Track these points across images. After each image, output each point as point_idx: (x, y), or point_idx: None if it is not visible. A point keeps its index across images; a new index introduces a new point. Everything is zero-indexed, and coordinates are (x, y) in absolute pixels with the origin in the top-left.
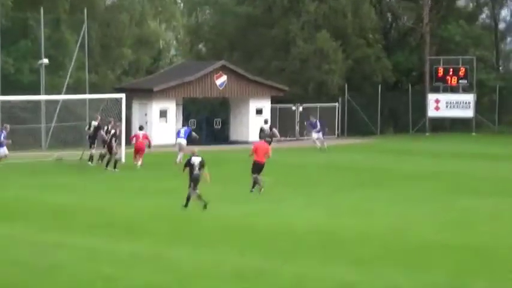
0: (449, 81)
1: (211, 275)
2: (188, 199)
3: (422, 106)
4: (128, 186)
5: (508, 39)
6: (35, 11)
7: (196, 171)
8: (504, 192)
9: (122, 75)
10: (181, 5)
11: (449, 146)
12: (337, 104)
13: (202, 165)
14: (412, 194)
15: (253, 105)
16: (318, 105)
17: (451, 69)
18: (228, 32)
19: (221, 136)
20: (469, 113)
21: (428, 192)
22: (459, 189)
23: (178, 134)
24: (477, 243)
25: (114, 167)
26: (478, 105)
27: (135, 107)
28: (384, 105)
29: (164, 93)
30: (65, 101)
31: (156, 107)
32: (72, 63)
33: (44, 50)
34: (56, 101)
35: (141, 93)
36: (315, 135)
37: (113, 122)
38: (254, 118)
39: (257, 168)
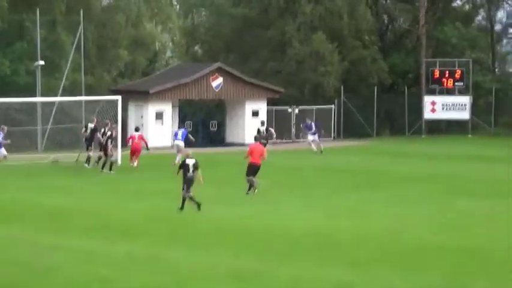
0: (445, 84)
1: (207, 277)
2: (184, 201)
3: (418, 108)
4: (124, 188)
5: (504, 41)
6: (31, 12)
7: (190, 173)
8: (500, 194)
9: (118, 77)
10: (177, 6)
11: (446, 148)
12: (333, 106)
13: (196, 167)
14: (409, 196)
15: (249, 107)
16: (314, 107)
17: (447, 72)
18: (224, 33)
19: (217, 138)
20: (465, 115)
21: (424, 194)
22: (455, 191)
23: (175, 136)
24: (473, 245)
25: (110, 169)
26: (474, 107)
27: (131, 109)
28: (380, 107)
29: (160, 95)
30: (61, 103)
31: (152, 109)
32: (68, 64)
33: (40, 51)
34: (52, 103)
35: (137, 95)
36: (310, 137)
37: (109, 124)
38: (250, 120)
39: (252, 170)
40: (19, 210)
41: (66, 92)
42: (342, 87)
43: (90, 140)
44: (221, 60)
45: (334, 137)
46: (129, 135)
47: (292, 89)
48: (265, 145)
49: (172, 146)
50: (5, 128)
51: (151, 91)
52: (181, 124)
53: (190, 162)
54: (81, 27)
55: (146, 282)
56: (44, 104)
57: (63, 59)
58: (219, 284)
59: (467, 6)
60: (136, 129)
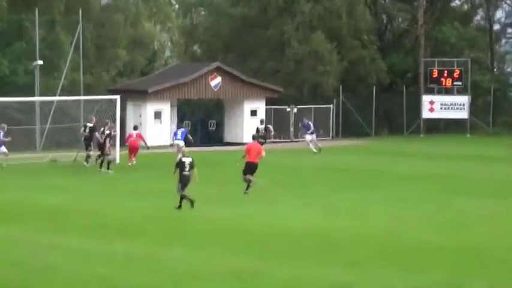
0: (443, 83)
1: (205, 276)
2: (181, 200)
3: (416, 108)
4: (122, 187)
5: (503, 40)
6: (29, 12)
7: (186, 171)
8: (499, 194)
9: (117, 76)
10: (176, 6)
11: (444, 148)
12: (331, 105)
13: (192, 166)
14: (407, 195)
15: (248, 106)
16: (313, 106)
17: (446, 71)
18: (222, 33)
19: (216, 137)
20: (463, 114)
21: (423, 193)
22: (454, 191)
23: (175, 135)
24: (472, 244)
25: (108, 168)
26: (473, 107)
27: (130, 109)
28: (379, 106)
29: (159, 95)
30: (59, 103)
31: (150, 108)
32: (67, 64)
33: (38, 51)
34: (51, 103)
35: (136, 94)
36: (308, 137)
37: (109, 123)
38: (249, 119)
39: (250, 168)
40: (17, 210)
41: (65, 92)
42: (341, 87)
43: (89, 140)
44: (220, 60)
45: (332, 137)
46: (127, 134)
47: (291, 88)
48: (263, 144)
49: (171, 145)
50: (5, 126)
51: (149, 90)
52: (180, 123)
53: (186, 160)
54: (79, 26)
55: (144, 282)
56: (42, 103)
57: (61, 58)
58: (217, 283)
59: (465, 6)
60: (135, 128)
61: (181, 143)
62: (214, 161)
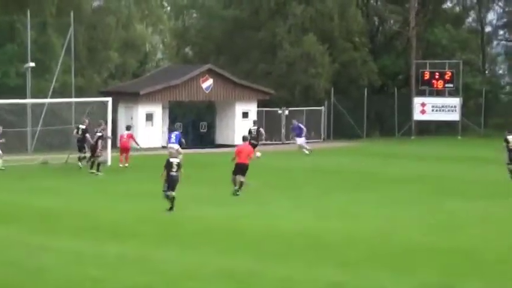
0: (435, 85)
1: (197, 276)
2: (173, 201)
3: (408, 110)
4: (114, 189)
5: (494, 42)
6: (21, 14)
7: (174, 172)
8: (491, 196)
9: (108, 78)
10: (168, 8)
11: (435, 150)
12: (323, 107)
13: (179, 166)
14: (398, 197)
15: (240, 108)
16: (304, 108)
17: (437, 73)
18: (214, 35)
19: (207, 139)
20: (455, 116)
21: (414, 195)
22: (445, 193)
23: (169, 139)
24: (463, 246)
25: (98, 170)
26: (464, 109)
27: (121, 111)
28: (370, 108)
29: (150, 97)
30: (51, 105)
31: (142, 110)
32: (59, 66)
33: (30, 53)
34: (42, 105)
35: (127, 96)
36: (299, 140)
37: (103, 125)
38: (240, 121)
39: (240, 169)
40: (9, 212)
41: (56, 94)
42: (332, 89)
43: (82, 141)
44: (211, 62)
45: (324, 139)
46: (119, 135)
47: (283, 90)
48: (255, 146)
49: (162, 147)
50: (1, 128)
51: (141, 92)
52: (172, 126)
53: (174, 161)
54: (71, 29)
55: (137, 283)
56: (34, 105)
57: (53, 60)
58: (210, 283)
59: (457, 8)
60: (128, 128)
61: (176, 146)
62: (205, 162)
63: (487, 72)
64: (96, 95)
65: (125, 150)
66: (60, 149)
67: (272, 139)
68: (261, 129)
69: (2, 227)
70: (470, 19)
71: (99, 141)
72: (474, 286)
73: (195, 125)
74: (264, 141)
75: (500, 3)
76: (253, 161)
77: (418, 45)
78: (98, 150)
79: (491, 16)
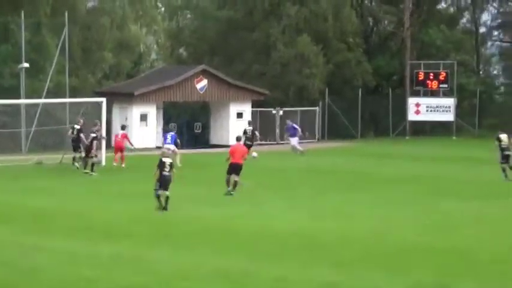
0: (429, 86)
1: (191, 277)
2: (167, 201)
3: (402, 110)
4: (107, 189)
5: (489, 43)
6: (15, 14)
7: (166, 172)
8: (485, 196)
9: (103, 79)
10: (162, 9)
11: (430, 150)
12: (317, 108)
13: (172, 166)
14: (393, 197)
15: (234, 109)
16: (299, 109)
17: (432, 74)
18: (208, 36)
19: (202, 140)
20: (449, 117)
21: (409, 195)
22: (440, 193)
23: (165, 140)
24: (458, 246)
25: (91, 170)
26: (459, 109)
27: (116, 111)
28: (365, 109)
29: (145, 97)
30: (45, 105)
31: (136, 111)
32: (53, 67)
33: (24, 54)
34: (36, 105)
35: (122, 97)
36: (293, 141)
37: (98, 125)
38: (235, 122)
39: (234, 169)
40: (3, 212)
41: (51, 94)
42: (327, 90)
43: (77, 141)
44: (206, 63)
45: (318, 139)
46: (114, 135)
47: (277, 91)
48: (250, 146)
49: (157, 148)
50: None
51: (135, 93)
52: (166, 126)
53: (167, 160)
54: (65, 29)
55: (131, 283)
56: (28, 106)
57: (47, 61)
58: (204, 283)
59: (452, 9)
60: (122, 128)
61: (172, 147)
62: (200, 163)
63: (481, 72)
64: (90, 96)
65: (119, 149)
66: (55, 149)
67: (267, 139)
68: (256, 132)
69: None
70: (464, 20)
71: (94, 142)
72: (469, 286)
73: (189, 125)
74: (258, 142)
75: (494, 4)
76: (248, 162)
77: (413, 45)
78: (93, 151)
79: (485, 17)
